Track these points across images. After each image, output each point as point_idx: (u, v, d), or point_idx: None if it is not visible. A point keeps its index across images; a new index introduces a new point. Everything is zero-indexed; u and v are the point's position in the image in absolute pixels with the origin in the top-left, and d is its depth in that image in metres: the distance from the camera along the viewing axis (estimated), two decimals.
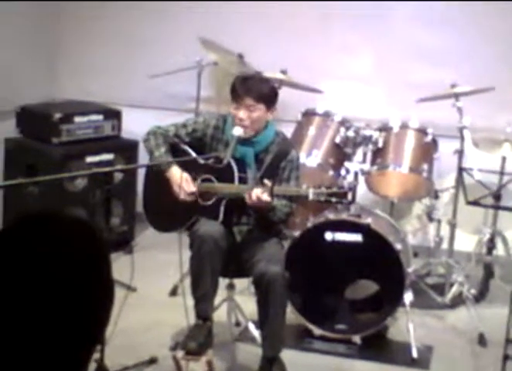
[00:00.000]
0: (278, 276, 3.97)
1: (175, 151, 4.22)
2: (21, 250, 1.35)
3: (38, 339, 1.33)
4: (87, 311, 1.37)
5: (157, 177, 4.26)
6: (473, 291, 5.07)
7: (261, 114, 4.07)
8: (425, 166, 5.06)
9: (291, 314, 4.50)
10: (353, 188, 3.97)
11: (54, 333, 1.33)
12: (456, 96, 5.00)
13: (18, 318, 1.32)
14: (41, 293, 1.32)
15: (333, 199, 3.86)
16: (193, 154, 4.18)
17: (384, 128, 5.10)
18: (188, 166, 4.15)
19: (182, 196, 4.11)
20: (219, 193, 4.10)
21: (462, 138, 4.95)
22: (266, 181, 3.91)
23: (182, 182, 4.08)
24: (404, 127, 5.13)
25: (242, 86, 4.07)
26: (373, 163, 5.05)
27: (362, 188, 5.06)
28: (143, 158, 5.32)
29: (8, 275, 1.33)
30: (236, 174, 4.08)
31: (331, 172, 5.05)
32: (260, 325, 4.15)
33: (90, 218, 5.34)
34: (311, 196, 3.85)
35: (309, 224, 4.57)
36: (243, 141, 4.11)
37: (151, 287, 5.05)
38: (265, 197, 3.87)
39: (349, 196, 3.90)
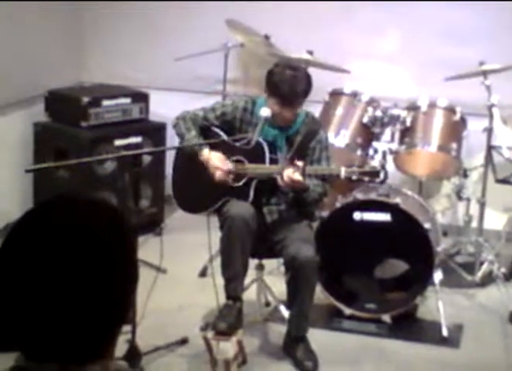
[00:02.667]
0: (310, 260, 3.98)
1: (205, 133, 4.23)
2: (45, 231, 1.36)
3: (61, 316, 1.34)
4: (110, 291, 1.38)
5: (187, 159, 4.27)
6: (503, 270, 5.05)
7: (300, 107, 4.11)
8: (454, 145, 5.03)
9: (321, 294, 4.52)
10: (385, 167, 3.96)
11: (78, 311, 1.34)
12: (485, 74, 4.97)
13: (42, 295, 1.34)
14: (65, 273, 1.33)
15: (366, 178, 3.86)
16: (223, 136, 4.18)
17: (412, 107, 5.08)
18: (219, 149, 4.16)
19: (218, 176, 4.11)
20: (249, 174, 4.11)
21: (490, 116, 4.91)
22: (297, 162, 3.92)
23: (216, 161, 4.09)
24: (432, 105, 5.09)
25: (291, 91, 4.00)
26: (401, 142, 5.03)
27: (390, 168, 5.03)
28: (171, 140, 5.34)
29: (32, 255, 1.35)
30: (267, 155, 4.09)
31: (359, 152, 5.04)
32: (288, 305, 4.19)
33: (119, 201, 5.37)
34: (343, 175, 3.85)
35: (338, 204, 4.57)
36: (275, 126, 4.13)
37: (181, 269, 5.08)
38: (297, 176, 3.88)
39: (382, 175, 3.90)
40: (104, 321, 1.39)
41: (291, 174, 3.89)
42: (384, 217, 4.51)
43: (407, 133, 5.03)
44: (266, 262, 4.43)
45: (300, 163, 3.90)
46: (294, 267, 4.00)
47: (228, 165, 4.12)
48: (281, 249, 4.08)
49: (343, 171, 3.87)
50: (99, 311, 1.37)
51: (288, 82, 4.01)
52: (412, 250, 4.50)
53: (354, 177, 3.86)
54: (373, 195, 4.60)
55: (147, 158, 5.69)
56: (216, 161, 4.10)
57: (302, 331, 4.15)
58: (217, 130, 4.23)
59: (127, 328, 3.64)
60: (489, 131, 4.94)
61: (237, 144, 4.14)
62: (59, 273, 1.33)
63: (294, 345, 4.14)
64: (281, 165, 4.05)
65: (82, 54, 6.31)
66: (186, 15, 6.03)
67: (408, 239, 4.49)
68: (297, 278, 4.01)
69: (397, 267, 4.61)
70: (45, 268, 1.34)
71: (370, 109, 5.04)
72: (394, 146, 4.98)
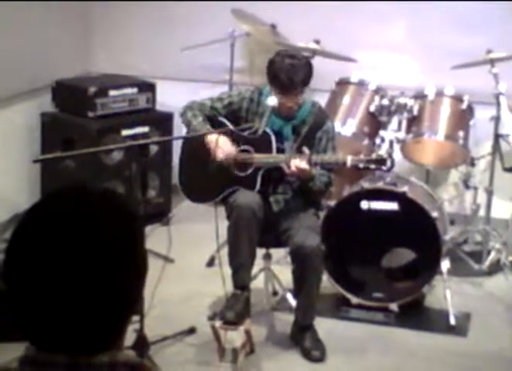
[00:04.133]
0: (315, 249, 3.99)
1: (211, 123, 4.23)
2: (55, 222, 1.36)
3: (71, 307, 1.35)
4: (119, 282, 1.38)
5: (194, 148, 4.28)
6: (511, 258, 5.05)
7: (303, 95, 4.09)
8: (461, 133, 5.02)
9: (328, 283, 4.52)
10: (391, 155, 3.95)
11: (87, 302, 1.35)
12: (492, 62, 4.95)
13: (51, 287, 1.34)
14: (74, 264, 1.34)
15: (372, 166, 3.86)
16: (230, 126, 4.19)
17: (419, 96, 5.07)
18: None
19: (220, 155, 4.11)
20: (256, 163, 4.12)
21: (498, 105, 4.89)
22: (305, 148, 3.92)
23: (221, 143, 4.09)
24: (440, 94, 5.08)
25: (289, 79, 4.00)
26: (408, 131, 5.02)
27: (397, 157, 5.03)
28: (178, 130, 5.35)
29: (42, 246, 1.35)
30: (274, 144, 4.08)
31: (366, 141, 5.03)
32: (294, 294, 4.22)
33: (126, 191, 5.38)
34: (349, 163, 3.85)
35: (345, 193, 4.57)
36: (281, 116, 4.13)
37: (188, 258, 5.09)
38: (304, 165, 3.88)
39: (388, 163, 3.89)
40: (114, 313, 1.39)
41: (298, 163, 3.89)
42: (392, 206, 4.51)
43: (414, 122, 5.02)
44: (273, 251, 4.44)
45: (307, 151, 3.91)
46: (299, 257, 4.01)
47: (231, 147, 4.12)
48: (287, 238, 4.09)
49: (349, 160, 3.86)
50: (108, 302, 1.37)
51: (286, 71, 4.01)
52: (419, 238, 4.50)
53: (361, 165, 3.86)
54: (380, 184, 4.60)
55: (154, 148, 5.69)
56: (221, 144, 4.10)
57: (309, 319, 4.16)
58: (223, 119, 4.23)
59: (135, 317, 3.64)
60: (496, 120, 4.92)
61: (244, 133, 4.14)
62: (68, 264, 1.34)
63: (301, 334, 4.15)
64: (288, 154, 4.05)
65: (89, 44, 6.30)
66: (192, 5, 6.02)
67: (416, 228, 4.48)
68: (303, 267, 4.02)
69: (404, 255, 4.61)
70: (54, 259, 1.34)
71: (376, 98, 5.03)
72: (401, 135, 4.98)
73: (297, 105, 4.10)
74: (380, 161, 3.87)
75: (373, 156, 3.89)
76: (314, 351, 4.10)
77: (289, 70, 4.01)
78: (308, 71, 4.07)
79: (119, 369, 1.39)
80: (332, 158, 4.07)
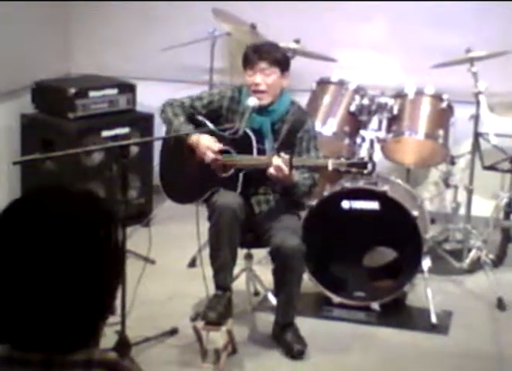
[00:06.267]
0: (296, 249, 3.98)
1: (192, 122, 4.21)
2: (31, 221, 1.37)
3: (46, 305, 1.35)
4: (94, 281, 1.38)
5: (174, 149, 4.26)
6: (491, 256, 5.07)
7: (275, 78, 4.08)
8: (441, 132, 5.04)
9: (310, 283, 4.53)
10: (372, 159, 3.95)
11: (62, 300, 1.35)
12: (471, 61, 4.97)
13: (26, 284, 1.34)
14: (49, 262, 1.34)
15: (353, 170, 3.85)
16: (210, 126, 4.17)
17: (399, 95, 5.08)
18: None
19: (209, 156, 4.08)
20: (238, 165, 4.10)
21: (477, 103, 4.91)
22: (283, 154, 3.89)
23: (206, 141, 4.07)
24: (419, 93, 5.10)
25: (255, 52, 4.10)
26: (388, 130, 5.04)
27: (378, 156, 5.05)
28: (158, 130, 5.33)
29: (17, 244, 1.36)
30: (254, 145, 4.07)
31: (347, 141, 5.04)
32: (275, 293, 4.22)
33: (107, 191, 5.38)
34: (330, 167, 3.83)
35: (326, 193, 4.57)
36: (259, 111, 4.11)
37: (169, 259, 5.08)
38: (283, 167, 3.86)
39: (369, 166, 3.88)
40: (89, 311, 1.40)
41: (280, 163, 3.85)
42: (372, 205, 4.52)
43: (394, 121, 5.04)
44: (254, 251, 4.44)
45: (286, 156, 3.86)
46: (279, 257, 4.00)
47: (217, 145, 4.09)
48: (268, 239, 4.08)
49: (330, 164, 3.82)
50: (83, 300, 1.37)
51: (252, 46, 4.19)
52: (400, 237, 4.52)
53: (342, 169, 3.85)
54: (361, 184, 4.61)
55: (134, 149, 5.67)
56: (207, 142, 4.08)
57: (289, 318, 4.16)
58: (203, 118, 4.21)
59: (116, 319, 3.63)
60: (476, 118, 4.94)
61: (225, 133, 4.13)
62: (44, 262, 1.34)
63: (282, 331, 4.15)
64: (268, 156, 4.02)
65: (68, 45, 6.28)
66: (173, 5, 6.01)
67: (397, 226, 4.50)
68: (283, 268, 4.02)
69: (385, 254, 4.62)
70: (30, 258, 1.35)
71: (357, 97, 5.04)
72: (382, 134, 4.99)
73: (266, 85, 4.06)
74: (362, 165, 3.85)
75: (355, 160, 3.86)
76: (296, 344, 4.08)
77: (256, 46, 4.20)
78: (277, 50, 4.17)
79: (94, 368, 1.39)
80: (313, 162, 4.06)
